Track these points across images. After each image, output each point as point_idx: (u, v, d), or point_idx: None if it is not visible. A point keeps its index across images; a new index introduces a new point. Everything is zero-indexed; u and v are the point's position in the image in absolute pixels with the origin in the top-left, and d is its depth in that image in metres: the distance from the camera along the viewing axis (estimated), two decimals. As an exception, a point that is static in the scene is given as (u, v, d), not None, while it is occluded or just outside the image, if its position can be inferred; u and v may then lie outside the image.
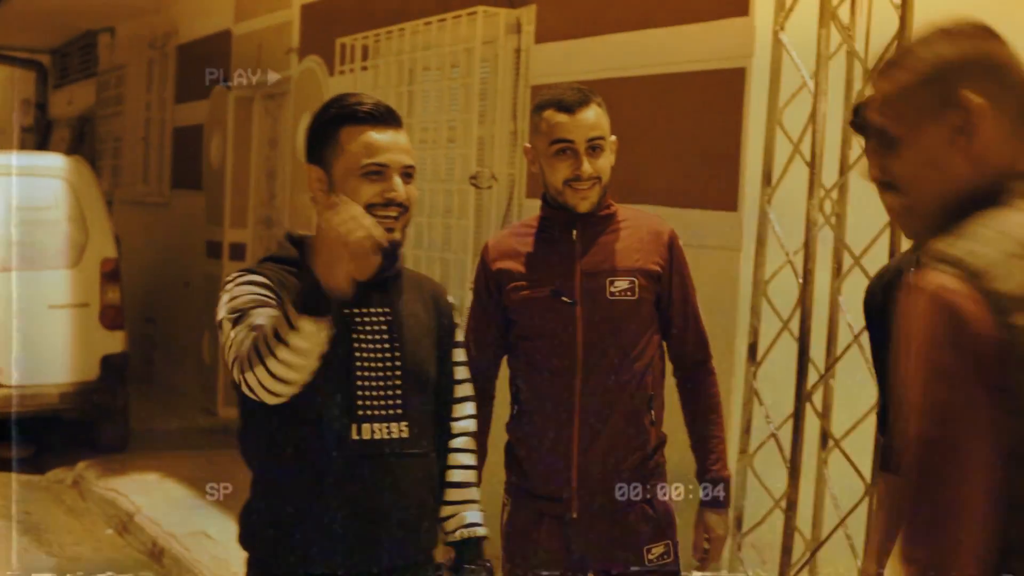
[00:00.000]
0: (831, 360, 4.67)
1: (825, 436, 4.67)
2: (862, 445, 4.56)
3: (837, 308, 4.70)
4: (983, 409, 1.88)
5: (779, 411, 4.69)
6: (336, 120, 2.94)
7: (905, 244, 4.55)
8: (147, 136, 12.94)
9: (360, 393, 2.92)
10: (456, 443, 3.15)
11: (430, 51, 7.35)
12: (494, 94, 6.87)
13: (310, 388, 2.73)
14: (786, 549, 4.60)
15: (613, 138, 3.58)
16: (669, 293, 3.60)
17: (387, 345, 2.96)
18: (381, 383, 2.94)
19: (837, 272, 4.69)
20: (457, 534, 3.10)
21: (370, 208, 2.82)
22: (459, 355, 3.18)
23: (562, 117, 3.50)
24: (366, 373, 2.92)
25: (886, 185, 2.13)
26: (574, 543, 3.57)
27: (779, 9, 4.82)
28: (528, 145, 3.63)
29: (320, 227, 2.65)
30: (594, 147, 3.50)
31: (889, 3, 4.60)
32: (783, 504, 4.63)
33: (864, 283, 4.63)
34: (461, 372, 3.17)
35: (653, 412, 3.60)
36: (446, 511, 3.11)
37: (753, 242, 4.93)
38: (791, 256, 4.70)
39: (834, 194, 4.69)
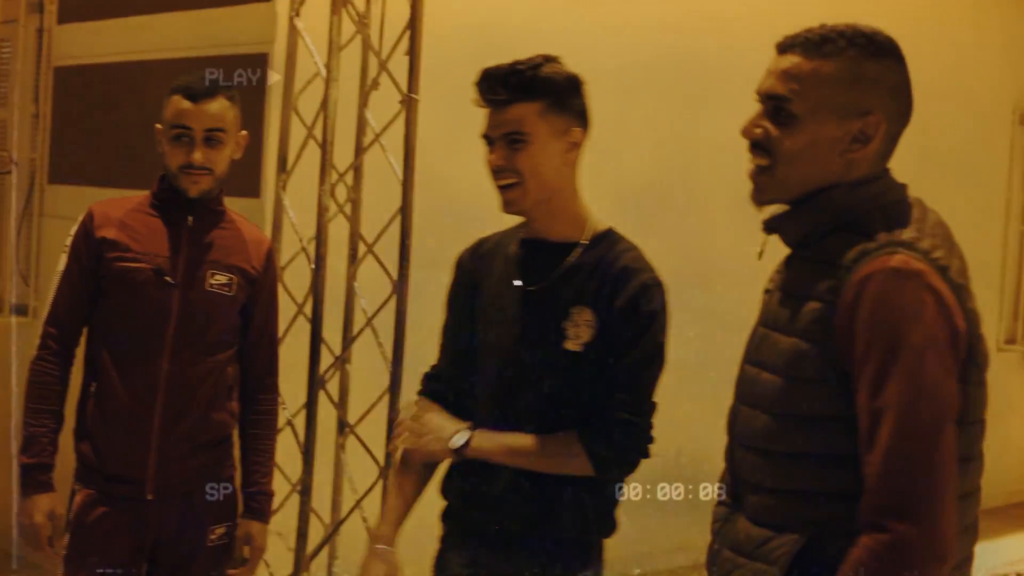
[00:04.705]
0: (347, 343, 4.72)
1: (342, 422, 4.72)
2: (376, 429, 4.63)
3: (353, 294, 4.75)
4: (954, 380, 2.12)
5: (295, 399, 4.68)
6: None
7: (417, 232, 4.65)
8: None
9: None
10: None
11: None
12: (15, 75, 6.58)
13: None
14: (302, 533, 4.62)
15: (244, 133, 3.64)
16: (255, 300, 3.70)
17: None
18: None
19: (352, 259, 4.74)
20: None
21: None
22: None
23: (185, 104, 3.54)
24: None
25: (760, 147, 2.26)
26: (149, 526, 3.56)
27: (295, -5, 4.83)
28: (159, 125, 3.62)
29: None
30: (211, 138, 3.54)
31: (401, -6, 4.69)
32: (299, 488, 4.64)
33: (378, 270, 4.73)
34: None
35: (234, 403, 3.70)
36: None
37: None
38: (305, 244, 4.72)
39: (349, 179, 4.74)
